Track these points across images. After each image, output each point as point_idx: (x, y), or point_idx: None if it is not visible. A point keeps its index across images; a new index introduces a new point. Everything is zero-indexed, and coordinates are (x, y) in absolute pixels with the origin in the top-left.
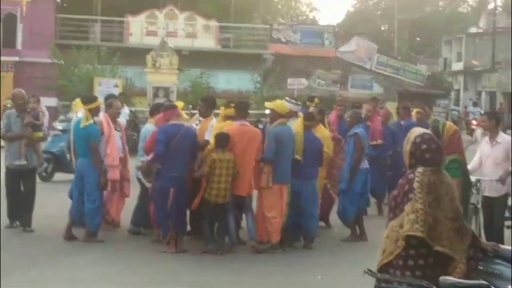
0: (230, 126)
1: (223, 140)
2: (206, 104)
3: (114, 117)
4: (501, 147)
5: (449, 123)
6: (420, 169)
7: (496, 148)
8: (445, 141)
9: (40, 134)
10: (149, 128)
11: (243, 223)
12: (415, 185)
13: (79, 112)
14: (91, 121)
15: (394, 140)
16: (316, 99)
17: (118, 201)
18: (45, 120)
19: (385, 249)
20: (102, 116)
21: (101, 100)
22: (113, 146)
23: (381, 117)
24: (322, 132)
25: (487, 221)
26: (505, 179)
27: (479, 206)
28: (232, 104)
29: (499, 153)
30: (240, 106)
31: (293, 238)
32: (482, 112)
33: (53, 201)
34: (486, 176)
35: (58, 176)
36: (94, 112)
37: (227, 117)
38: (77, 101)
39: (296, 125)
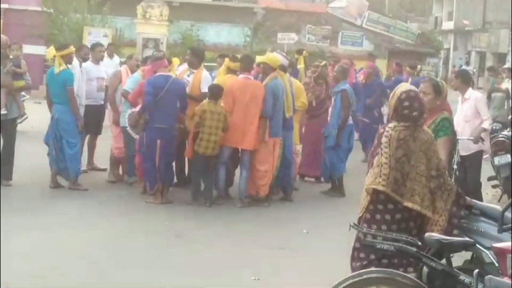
0: (233, 80)
1: (216, 92)
2: (196, 55)
3: (132, 69)
4: (468, 103)
5: (443, 82)
6: (391, 124)
7: (465, 105)
8: (443, 99)
9: (22, 83)
10: (136, 77)
11: (235, 179)
12: (383, 139)
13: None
14: (64, 66)
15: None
16: (304, 52)
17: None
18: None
19: (361, 203)
20: (122, 67)
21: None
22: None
23: (369, 70)
24: (295, 83)
25: (460, 180)
26: (478, 138)
27: (455, 166)
28: (238, 57)
29: (467, 109)
30: (245, 59)
31: (282, 191)
32: (474, 71)
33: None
34: (458, 135)
35: None
36: (66, 58)
37: (229, 71)
38: (51, 48)
39: (285, 81)
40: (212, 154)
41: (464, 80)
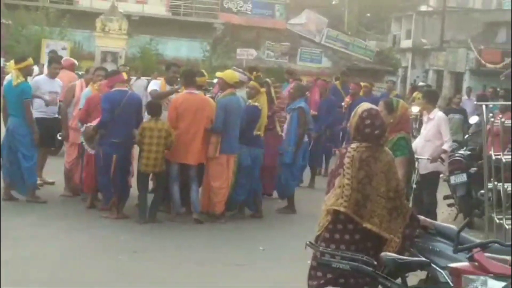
0: (178, 95)
1: (154, 108)
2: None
3: (89, 82)
4: (431, 123)
5: (401, 100)
6: (354, 145)
7: (428, 124)
8: (397, 118)
9: None
10: (87, 93)
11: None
12: (346, 160)
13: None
14: (22, 79)
15: (330, 111)
16: (254, 71)
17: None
18: None
19: (319, 222)
20: (77, 82)
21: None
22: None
23: (318, 88)
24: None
25: (418, 199)
26: (436, 158)
27: (414, 185)
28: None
29: (430, 129)
30: (186, 75)
31: (251, 209)
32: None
33: None
34: (418, 154)
35: None
36: (24, 71)
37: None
38: (11, 62)
39: (261, 101)
40: (154, 171)
41: (430, 100)
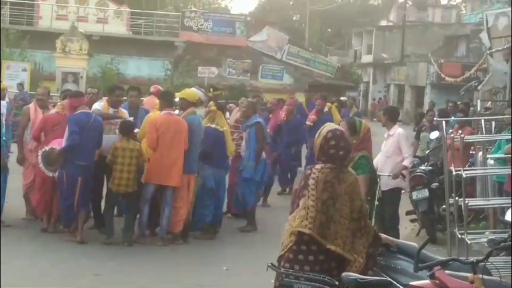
0: (156, 116)
1: (126, 128)
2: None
3: (40, 105)
4: (391, 139)
5: (364, 121)
6: (318, 166)
7: (388, 141)
8: (360, 138)
9: None
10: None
11: None
12: (310, 181)
13: None
14: None
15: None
16: (211, 89)
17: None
18: None
19: (283, 242)
20: (31, 104)
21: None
22: None
23: (289, 107)
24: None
25: (380, 215)
26: (397, 175)
27: (377, 202)
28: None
29: (390, 145)
30: (165, 96)
31: (213, 230)
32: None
33: None
34: (379, 170)
35: None
36: None
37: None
38: None
39: (220, 123)
40: (126, 191)
41: (391, 117)
